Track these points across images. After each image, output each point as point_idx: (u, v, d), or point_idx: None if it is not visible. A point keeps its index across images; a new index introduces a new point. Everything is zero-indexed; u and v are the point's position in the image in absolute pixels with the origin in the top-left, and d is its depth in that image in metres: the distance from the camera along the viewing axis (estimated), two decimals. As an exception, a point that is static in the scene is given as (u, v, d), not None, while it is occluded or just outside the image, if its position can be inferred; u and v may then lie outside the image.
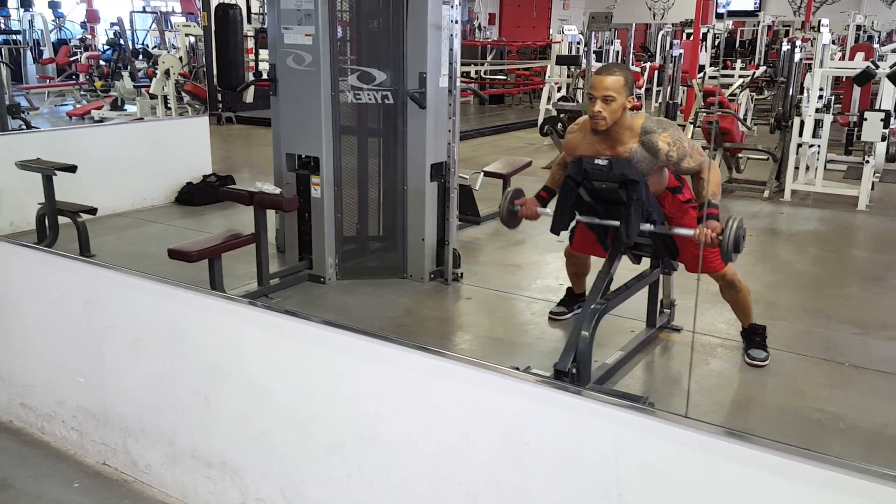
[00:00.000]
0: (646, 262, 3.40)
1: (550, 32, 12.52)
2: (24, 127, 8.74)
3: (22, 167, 4.74)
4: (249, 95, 10.65)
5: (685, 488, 1.49)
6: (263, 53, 11.66)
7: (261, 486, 2.13)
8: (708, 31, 12.18)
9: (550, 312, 3.86)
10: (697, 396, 3.04)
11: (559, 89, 10.73)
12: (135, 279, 2.34)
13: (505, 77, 15.06)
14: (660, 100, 11.74)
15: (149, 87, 10.58)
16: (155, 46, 14.22)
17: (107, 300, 2.42)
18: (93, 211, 4.77)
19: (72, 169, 4.71)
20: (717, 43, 14.96)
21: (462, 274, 4.43)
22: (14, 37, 14.83)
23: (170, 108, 10.34)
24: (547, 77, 11.14)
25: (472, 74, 13.86)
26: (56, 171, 4.64)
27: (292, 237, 4.41)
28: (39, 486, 2.45)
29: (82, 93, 13.13)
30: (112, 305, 2.41)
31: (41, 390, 2.70)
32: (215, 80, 11.39)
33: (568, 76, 10.87)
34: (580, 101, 8.41)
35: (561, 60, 10.49)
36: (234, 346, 2.12)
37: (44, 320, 2.63)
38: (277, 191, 4.00)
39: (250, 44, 10.15)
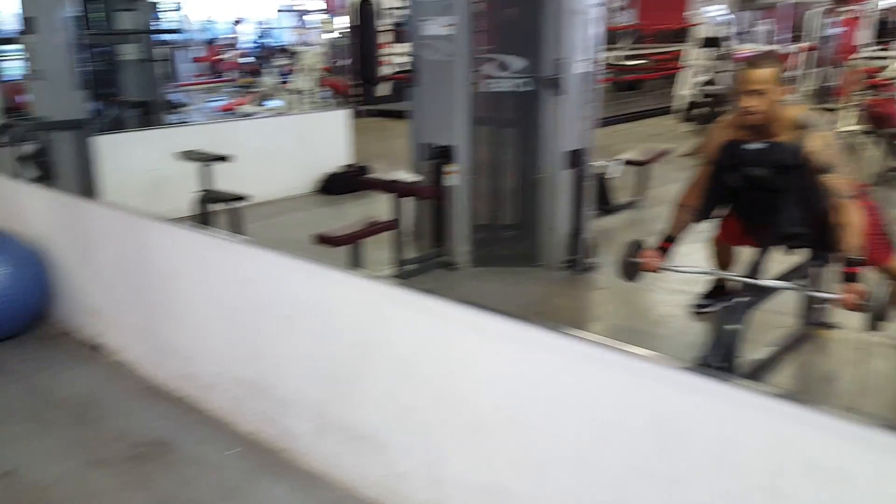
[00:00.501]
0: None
1: (690, 13, 11.96)
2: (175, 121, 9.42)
3: (180, 158, 5.12)
4: (383, 88, 10.95)
5: (848, 485, 1.40)
6: (399, 48, 11.99)
7: (404, 460, 2.20)
8: (864, 10, 11.26)
9: (693, 305, 3.72)
10: (857, 397, 2.83)
11: (699, 73, 10.28)
12: (288, 260, 2.48)
13: (642, 62, 14.58)
14: (811, 83, 10.99)
15: (291, 82, 11.12)
16: (297, 44, 14.90)
17: (263, 279, 2.58)
18: (242, 199, 5.07)
19: (223, 159, 5.04)
20: (873, 23, 13.79)
21: (597, 264, 4.35)
22: (168, 37, 15.99)
23: (311, 102, 10.81)
24: (686, 61, 10.69)
25: (608, 59, 13.50)
26: (209, 161, 4.98)
27: (427, 225, 4.50)
28: (199, 450, 2.66)
29: (231, 89, 13.98)
30: (267, 284, 2.56)
31: (202, 361, 2.91)
32: (355, 74, 11.83)
33: (711, 59, 10.37)
34: (723, 84, 8.02)
35: (709, 43, 10.00)
36: (382, 324, 2.20)
37: (206, 296, 2.83)
38: (414, 180, 4.10)
39: (388, 38, 10.42)
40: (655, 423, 1.65)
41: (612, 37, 15.29)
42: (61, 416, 2.90)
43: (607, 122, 10.22)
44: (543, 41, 4.08)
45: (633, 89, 14.28)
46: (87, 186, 4.39)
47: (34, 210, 3.79)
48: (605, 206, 5.34)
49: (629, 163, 5.69)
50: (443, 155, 4.27)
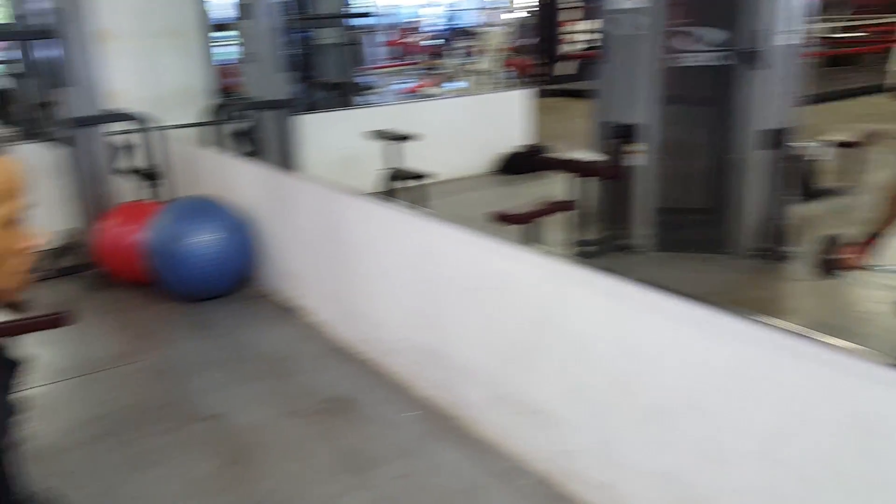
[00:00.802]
0: None
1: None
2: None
3: (369, 137, 5.39)
4: (567, 67, 10.80)
5: None
6: (586, 24, 11.76)
7: (575, 437, 2.19)
8: None
9: (903, 303, 3.34)
10: None
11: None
12: (470, 235, 2.54)
13: (858, 34, 13.18)
14: None
15: (475, 63, 11.28)
16: (481, 25, 15.06)
17: (445, 253, 2.67)
18: (424, 177, 5.26)
19: (408, 138, 5.24)
20: None
21: (794, 253, 4.03)
22: (360, 21, 16.79)
23: (493, 83, 10.91)
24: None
25: (819, 31, 12.34)
26: (396, 141, 5.20)
27: (607, 207, 4.40)
28: (379, 410, 2.81)
29: (416, 71, 14.45)
30: (449, 257, 2.64)
31: (386, 327, 3.07)
32: (538, 53, 11.77)
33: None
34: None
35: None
36: (560, 301, 2.20)
37: (391, 266, 2.98)
38: (595, 159, 4.02)
39: (575, 15, 10.24)
40: (856, 422, 1.52)
41: (826, 6, 13.92)
42: (260, 369, 3.20)
43: (816, 99, 9.39)
44: (743, 11, 3.81)
45: (848, 64, 12.94)
46: (288, 161, 4.75)
47: (243, 182, 4.17)
48: (809, 191, 4.90)
49: (841, 145, 5.18)
50: (627, 134, 4.14)
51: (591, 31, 11.46)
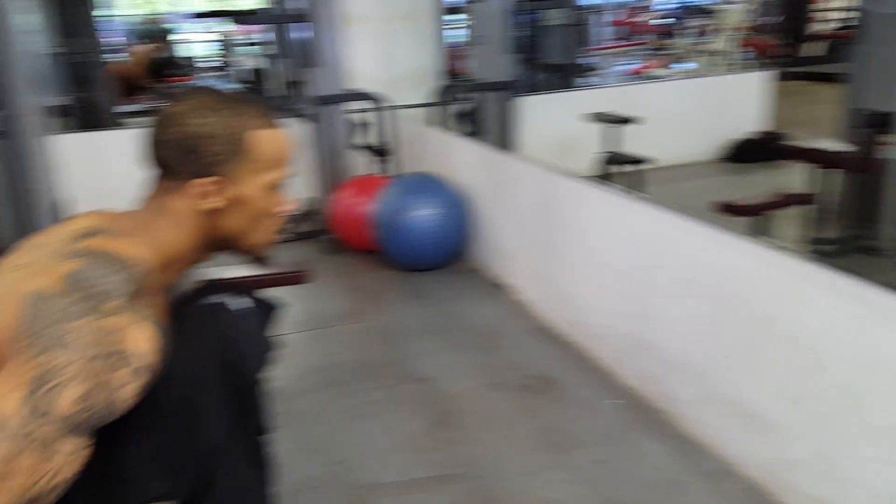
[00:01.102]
0: None
1: None
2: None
3: (587, 119, 5.32)
4: (814, 48, 9.84)
5: None
6: (838, 2, 10.62)
7: (794, 446, 2.04)
8: None
9: None
10: None
11: None
12: (691, 224, 2.43)
13: None
14: None
15: (708, 43, 10.66)
16: (719, 2, 14.18)
17: (661, 240, 2.58)
18: (642, 161, 5.09)
19: (629, 121, 5.10)
20: None
21: None
22: (586, 1, 16.49)
23: (728, 64, 10.25)
24: None
25: None
26: (615, 123, 5.08)
27: (853, 203, 3.97)
28: (581, 393, 2.81)
29: (642, 52, 13.95)
30: (665, 245, 2.56)
31: (593, 312, 3.05)
32: (782, 33, 10.84)
33: None
34: None
35: None
36: (790, 301, 2.04)
37: (603, 251, 2.94)
38: (842, 150, 3.64)
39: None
40: None
41: None
42: (468, 341, 3.33)
43: None
44: None
45: None
46: (507, 142, 4.85)
47: (463, 160, 4.33)
48: None
49: None
50: (883, 123, 3.69)
51: (847, 10, 10.32)
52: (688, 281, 2.45)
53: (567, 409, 2.70)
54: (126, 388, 0.92)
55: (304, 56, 4.86)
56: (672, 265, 2.52)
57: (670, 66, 11.65)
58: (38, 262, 0.97)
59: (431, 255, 4.15)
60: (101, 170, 4.43)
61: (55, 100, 6.04)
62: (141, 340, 0.93)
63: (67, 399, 0.87)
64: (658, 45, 13.86)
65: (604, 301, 2.98)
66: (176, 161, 1.07)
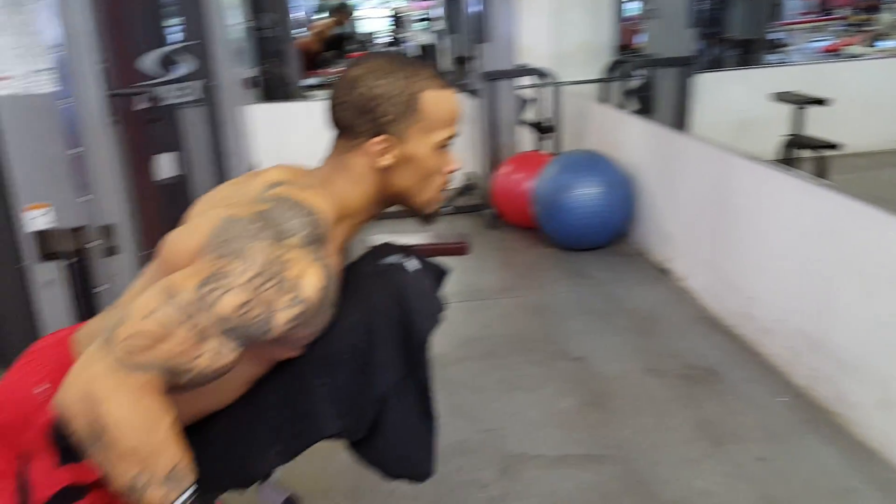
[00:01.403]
0: None
1: None
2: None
3: (773, 99, 4.96)
4: None
5: None
6: None
7: None
8: None
9: None
10: None
11: None
12: (883, 215, 2.23)
13: None
14: None
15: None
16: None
17: (848, 232, 2.39)
18: (833, 146, 4.68)
19: (821, 102, 4.70)
20: None
21: None
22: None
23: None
24: None
25: None
26: (804, 105, 4.70)
27: None
28: (746, 388, 2.68)
29: (839, 28, 12.76)
30: (853, 238, 2.36)
31: (764, 304, 2.88)
32: None
33: None
34: None
35: None
36: None
37: (779, 240, 2.77)
38: None
39: None
40: None
41: None
42: (627, 324, 3.27)
43: None
44: None
45: None
46: (681, 121, 4.65)
47: (630, 138, 4.22)
48: None
49: None
50: None
51: None
52: (874, 278, 2.25)
53: (729, 402, 2.59)
54: (281, 314, 1.00)
55: (475, 31, 4.91)
56: (858, 260, 2.33)
57: (872, 43, 10.57)
58: (233, 201, 1.09)
59: (592, 235, 4.10)
60: (284, 138, 4.76)
61: (248, 72, 6.54)
62: (308, 276, 1.01)
63: (229, 303, 0.97)
64: (859, 20, 12.60)
65: (777, 294, 2.80)
66: (353, 121, 1.14)
